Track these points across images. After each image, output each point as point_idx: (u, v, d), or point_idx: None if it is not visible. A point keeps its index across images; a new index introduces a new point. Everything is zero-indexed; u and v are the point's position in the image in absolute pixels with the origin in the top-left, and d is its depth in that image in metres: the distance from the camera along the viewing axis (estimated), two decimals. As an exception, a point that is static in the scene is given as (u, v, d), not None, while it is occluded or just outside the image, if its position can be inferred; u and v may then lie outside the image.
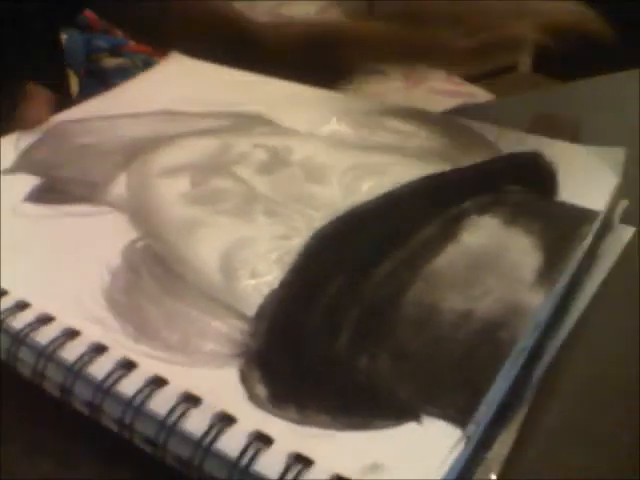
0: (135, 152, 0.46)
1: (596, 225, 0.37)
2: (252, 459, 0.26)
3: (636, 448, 0.29)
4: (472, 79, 1.76)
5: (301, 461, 0.26)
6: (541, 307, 0.32)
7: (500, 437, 0.28)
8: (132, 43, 1.52)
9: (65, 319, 0.32)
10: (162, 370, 0.30)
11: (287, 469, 0.25)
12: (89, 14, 1.41)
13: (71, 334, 0.32)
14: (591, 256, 0.38)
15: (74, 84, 1.28)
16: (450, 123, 0.47)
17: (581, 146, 0.44)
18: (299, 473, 0.25)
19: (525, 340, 0.30)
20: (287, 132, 0.48)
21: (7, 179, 0.44)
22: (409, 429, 0.27)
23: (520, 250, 0.35)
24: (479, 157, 0.43)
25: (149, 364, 0.30)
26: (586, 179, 0.41)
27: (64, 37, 1.56)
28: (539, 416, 0.30)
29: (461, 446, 0.26)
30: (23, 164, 0.45)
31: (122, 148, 0.47)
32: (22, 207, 0.41)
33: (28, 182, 0.43)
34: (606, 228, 0.40)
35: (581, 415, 0.31)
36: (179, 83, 0.56)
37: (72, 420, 0.30)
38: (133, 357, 0.30)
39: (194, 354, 0.31)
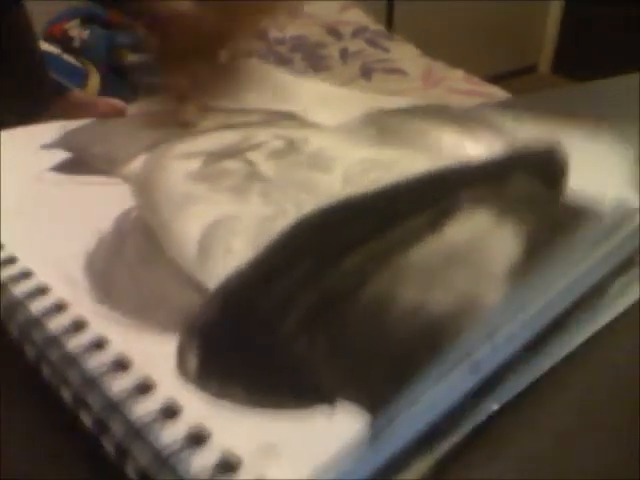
0: (162, 139, 0.48)
1: (595, 229, 0.34)
2: (153, 427, 0.26)
3: (636, 448, 0.29)
4: (491, 80, 1.71)
5: (200, 435, 0.25)
6: (499, 308, 0.29)
7: (418, 461, 0.26)
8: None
9: (42, 276, 0.34)
10: (110, 332, 0.30)
11: (184, 441, 0.25)
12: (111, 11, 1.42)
13: (41, 290, 0.33)
14: (601, 292, 0.34)
15: (96, 80, 1.29)
16: (470, 116, 0.46)
17: (597, 141, 0.41)
18: (193, 445, 0.25)
19: (470, 342, 0.28)
20: (311, 126, 0.48)
21: (44, 152, 0.46)
22: (317, 413, 0.26)
23: (500, 246, 0.33)
24: (493, 149, 0.41)
25: (99, 325, 0.31)
26: (600, 175, 0.38)
27: (86, 33, 1.59)
28: (540, 416, 0.30)
29: (365, 435, 0.25)
30: (62, 142, 0.48)
31: (152, 134, 0.49)
32: (45, 175, 0.44)
33: (61, 156, 0.46)
34: (626, 266, 0.35)
35: (582, 415, 0.30)
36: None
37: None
38: (88, 317, 0.31)
39: (146, 320, 0.31)
